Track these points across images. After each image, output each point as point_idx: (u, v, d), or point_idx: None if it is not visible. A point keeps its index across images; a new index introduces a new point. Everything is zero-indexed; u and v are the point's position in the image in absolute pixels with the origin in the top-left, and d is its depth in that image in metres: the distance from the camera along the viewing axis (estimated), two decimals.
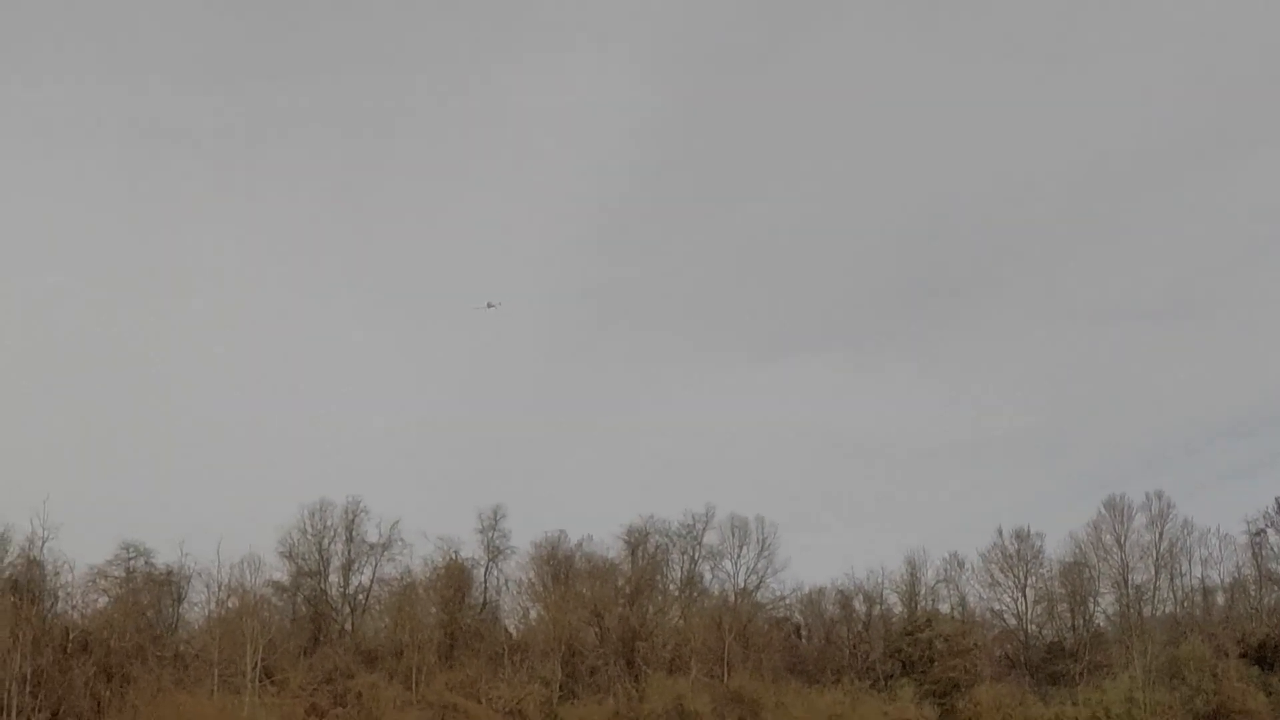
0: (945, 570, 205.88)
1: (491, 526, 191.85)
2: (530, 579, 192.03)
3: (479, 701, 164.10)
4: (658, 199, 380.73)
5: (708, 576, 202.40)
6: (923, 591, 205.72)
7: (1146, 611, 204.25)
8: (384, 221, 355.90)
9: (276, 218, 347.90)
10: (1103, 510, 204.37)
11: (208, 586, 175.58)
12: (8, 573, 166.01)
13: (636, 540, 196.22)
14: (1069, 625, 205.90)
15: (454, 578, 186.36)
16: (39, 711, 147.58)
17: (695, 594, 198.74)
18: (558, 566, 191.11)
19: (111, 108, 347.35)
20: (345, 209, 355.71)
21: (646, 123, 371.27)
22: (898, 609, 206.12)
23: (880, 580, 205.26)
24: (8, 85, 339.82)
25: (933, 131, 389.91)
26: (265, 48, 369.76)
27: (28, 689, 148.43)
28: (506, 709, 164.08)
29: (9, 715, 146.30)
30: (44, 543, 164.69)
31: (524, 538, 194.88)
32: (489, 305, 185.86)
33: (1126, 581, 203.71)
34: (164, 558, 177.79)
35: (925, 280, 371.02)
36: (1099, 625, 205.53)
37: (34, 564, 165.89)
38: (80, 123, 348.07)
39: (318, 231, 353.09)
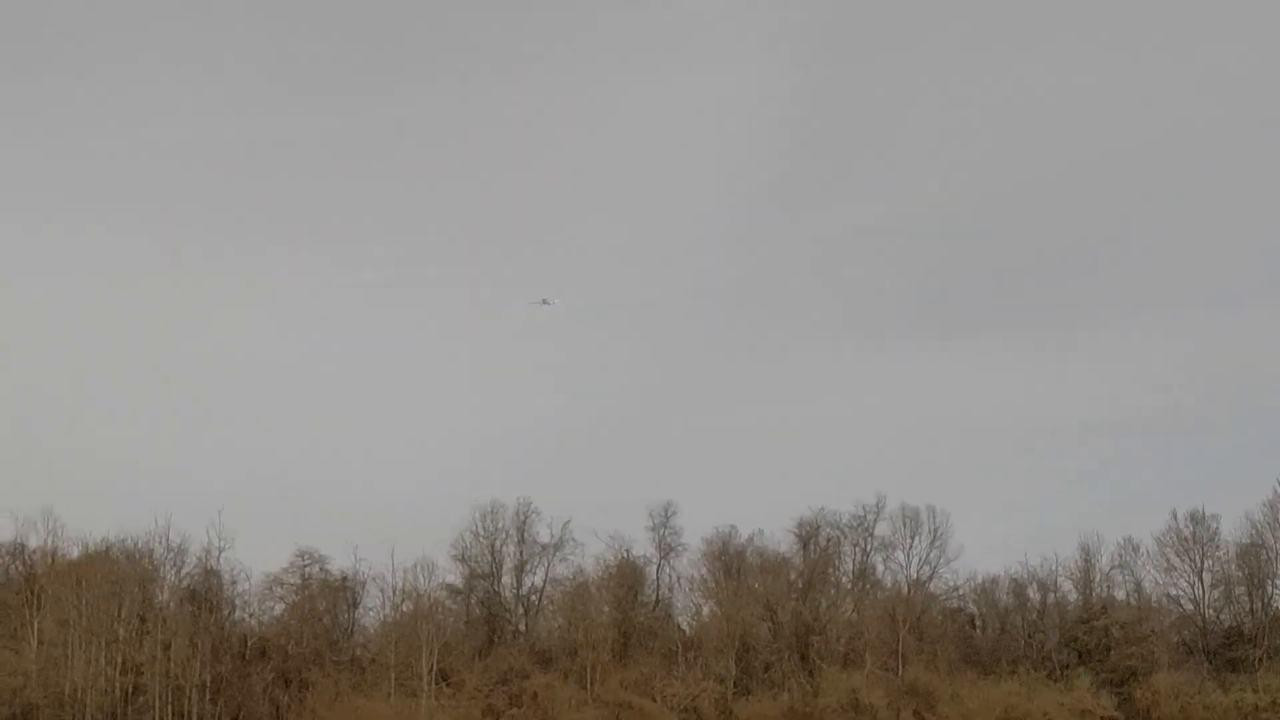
0: (1120, 555, 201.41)
1: (663, 523, 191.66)
2: (702, 575, 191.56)
3: (653, 699, 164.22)
4: (799, 186, 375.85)
5: (880, 568, 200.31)
6: (1097, 578, 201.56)
7: None
8: (531, 222, 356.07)
9: (436, 220, 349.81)
10: (1279, 489, 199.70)
11: (382, 591, 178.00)
12: (186, 583, 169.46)
13: (807, 533, 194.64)
14: (1247, 609, 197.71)
15: (626, 576, 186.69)
16: (219, 718, 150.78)
17: (868, 586, 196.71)
18: (729, 562, 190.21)
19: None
20: (496, 211, 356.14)
21: (781, 110, 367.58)
22: (1072, 596, 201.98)
23: (1054, 567, 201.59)
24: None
25: (1075, 99, 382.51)
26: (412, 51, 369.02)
27: (208, 696, 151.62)
28: (680, 706, 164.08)
29: None
30: (220, 553, 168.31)
31: (695, 534, 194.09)
32: (544, 302, 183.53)
33: None
34: (339, 564, 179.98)
35: (1078, 257, 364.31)
36: (1278, 609, 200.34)
37: (211, 574, 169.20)
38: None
39: (471, 235, 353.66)
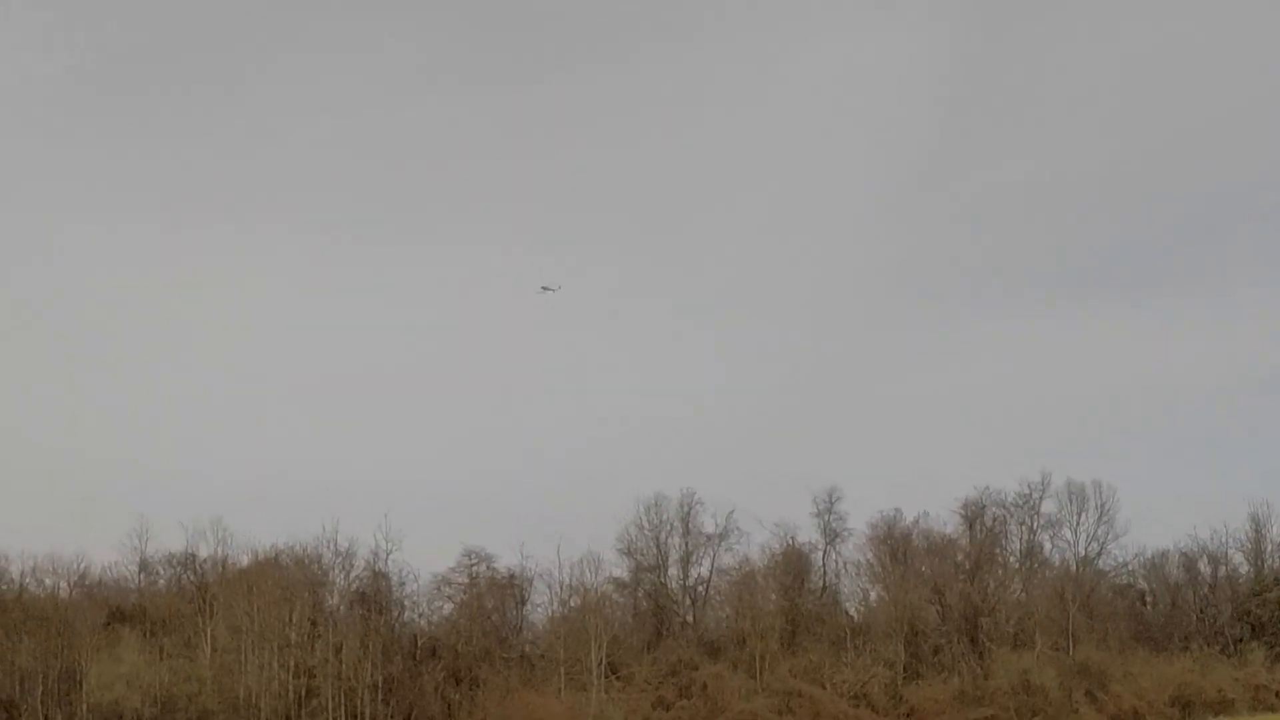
0: None
1: (827, 509, 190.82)
2: (868, 560, 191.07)
3: (823, 687, 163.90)
4: (953, 153, 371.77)
5: (1047, 546, 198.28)
6: (1269, 549, 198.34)
7: None
8: (683, 202, 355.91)
9: (587, 204, 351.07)
10: None
11: (549, 587, 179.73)
12: (355, 586, 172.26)
13: (973, 514, 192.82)
14: None
15: (792, 563, 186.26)
16: (391, 718, 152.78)
17: (1035, 565, 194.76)
18: (895, 545, 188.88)
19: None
20: (648, 193, 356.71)
21: (931, 75, 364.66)
22: (1244, 569, 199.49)
23: (1224, 539, 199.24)
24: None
25: (1228, 49, 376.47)
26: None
27: (380, 696, 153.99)
28: (850, 693, 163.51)
29: None
30: (388, 555, 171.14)
31: (860, 518, 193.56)
32: (544, 289, 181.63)
33: None
34: (506, 562, 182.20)
35: (1242, 211, 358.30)
36: None
37: (380, 576, 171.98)
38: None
39: (621, 218, 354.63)
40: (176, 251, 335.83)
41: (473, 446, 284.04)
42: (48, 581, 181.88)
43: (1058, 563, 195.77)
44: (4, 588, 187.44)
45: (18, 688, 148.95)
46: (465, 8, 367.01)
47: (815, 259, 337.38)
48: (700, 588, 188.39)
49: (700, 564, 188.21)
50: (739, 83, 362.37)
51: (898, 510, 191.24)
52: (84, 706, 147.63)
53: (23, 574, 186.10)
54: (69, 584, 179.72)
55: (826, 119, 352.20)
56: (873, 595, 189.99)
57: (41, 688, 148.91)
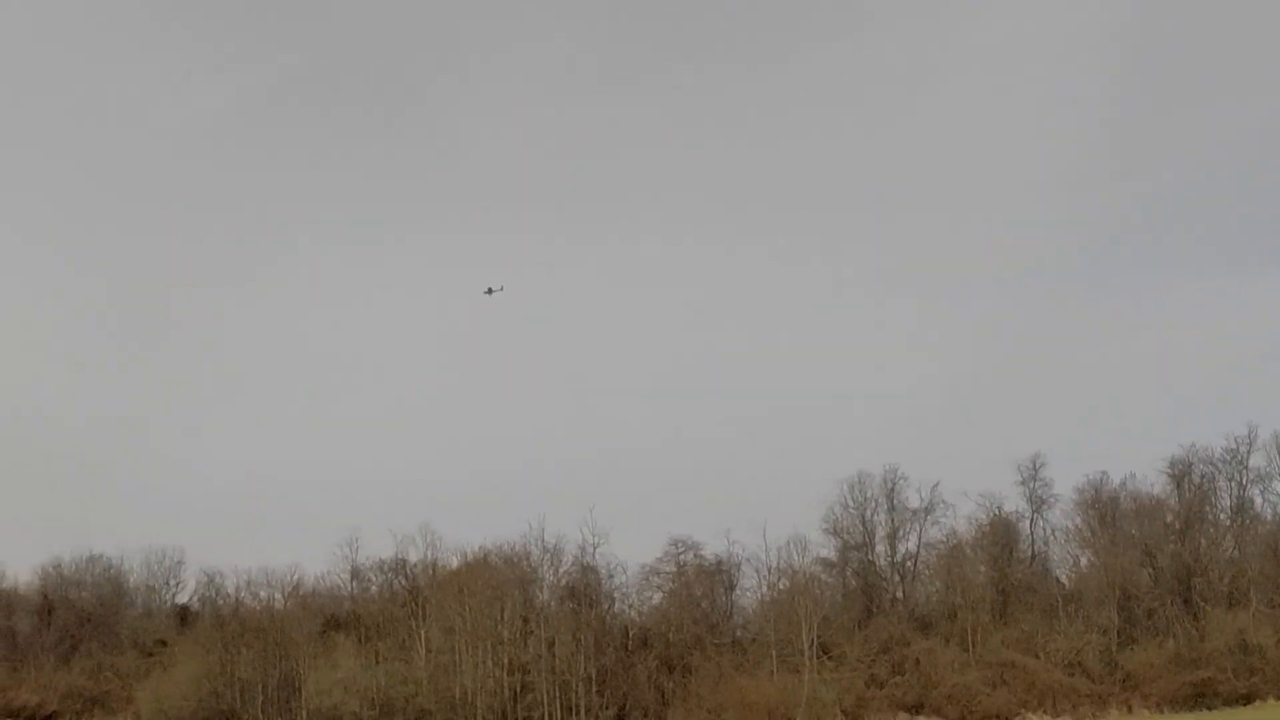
0: None
1: (1031, 477, 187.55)
2: (1076, 525, 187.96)
3: (1036, 656, 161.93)
4: (1138, 119, 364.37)
5: (1258, 501, 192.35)
6: None
7: None
8: (875, 182, 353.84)
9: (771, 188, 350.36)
10: None
11: (757, 571, 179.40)
12: (564, 581, 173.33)
13: (1180, 472, 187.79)
14: None
15: (999, 533, 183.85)
16: (606, 709, 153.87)
17: (1247, 522, 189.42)
18: (1103, 509, 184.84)
19: None
20: (837, 176, 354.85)
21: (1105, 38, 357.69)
22: None
23: None
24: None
25: None
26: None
27: (594, 688, 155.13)
28: (1065, 662, 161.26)
29: (578, 714, 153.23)
30: (595, 549, 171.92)
31: (1065, 484, 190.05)
32: (489, 291, 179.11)
33: None
34: (712, 549, 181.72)
35: None
36: None
37: (588, 570, 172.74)
38: None
39: (811, 199, 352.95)
40: (364, 263, 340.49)
41: (675, 437, 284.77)
42: (263, 594, 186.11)
43: (1270, 517, 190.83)
44: (221, 602, 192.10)
45: (239, 697, 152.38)
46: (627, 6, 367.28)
47: (1008, 229, 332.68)
48: (908, 563, 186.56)
49: (907, 539, 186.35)
50: (919, 57, 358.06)
51: (1104, 474, 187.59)
52: (303, 713, 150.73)
53: (238, 588, 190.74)
54: (284, 595, 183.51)
55: (1016, 86, 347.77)
56: (1083, 561, 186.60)
57: (261, 696, 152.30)
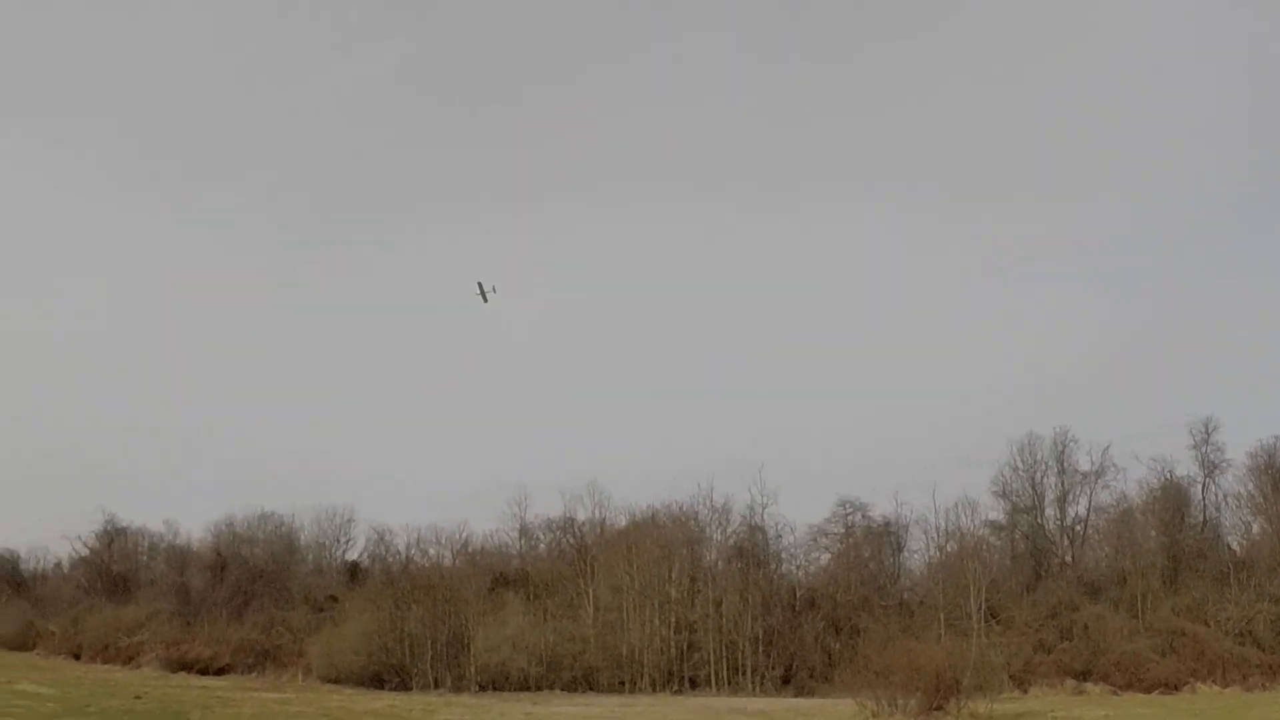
0: None
1: (1204, 441, 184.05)
2: (1249, 491, 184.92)
3: (1206, 624, 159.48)
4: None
5: None
6: None
7: None
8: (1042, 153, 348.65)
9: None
10: None
11: (925, 533, 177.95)
12: (732, 541, 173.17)
13: None
14: None
15: (1171, 498, 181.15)
16: (772, 669, 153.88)
17: None
18: (1276, 475, 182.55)
19: None
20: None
21: None
22: None
23: None
24: None
25: None
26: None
27: (760, 648, 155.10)
28: (1235, 630, 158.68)
29: (745, 674, 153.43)
30: (764, 509, 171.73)
31: (1239, 449, 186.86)
32: (480, 289, 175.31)
33: None
34: (880, 510, 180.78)
35: None
36: None
37: (756, 530, 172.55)
38: None
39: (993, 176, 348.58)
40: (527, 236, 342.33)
41: (846, 396, 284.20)
42: (432, 551, 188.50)
43: None
44: (391, 559, 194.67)
45: (408, 653, 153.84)
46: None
47: (1169, 183, 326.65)
48: (1078, 527, 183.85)
49: (1077, 503, 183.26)
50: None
51: (1277, 439, 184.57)
52: (472, 668, 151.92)
53: (408, 546, 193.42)
54: (453, 553, 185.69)
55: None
56: (1254, 528, 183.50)
57: (431, 652, 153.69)
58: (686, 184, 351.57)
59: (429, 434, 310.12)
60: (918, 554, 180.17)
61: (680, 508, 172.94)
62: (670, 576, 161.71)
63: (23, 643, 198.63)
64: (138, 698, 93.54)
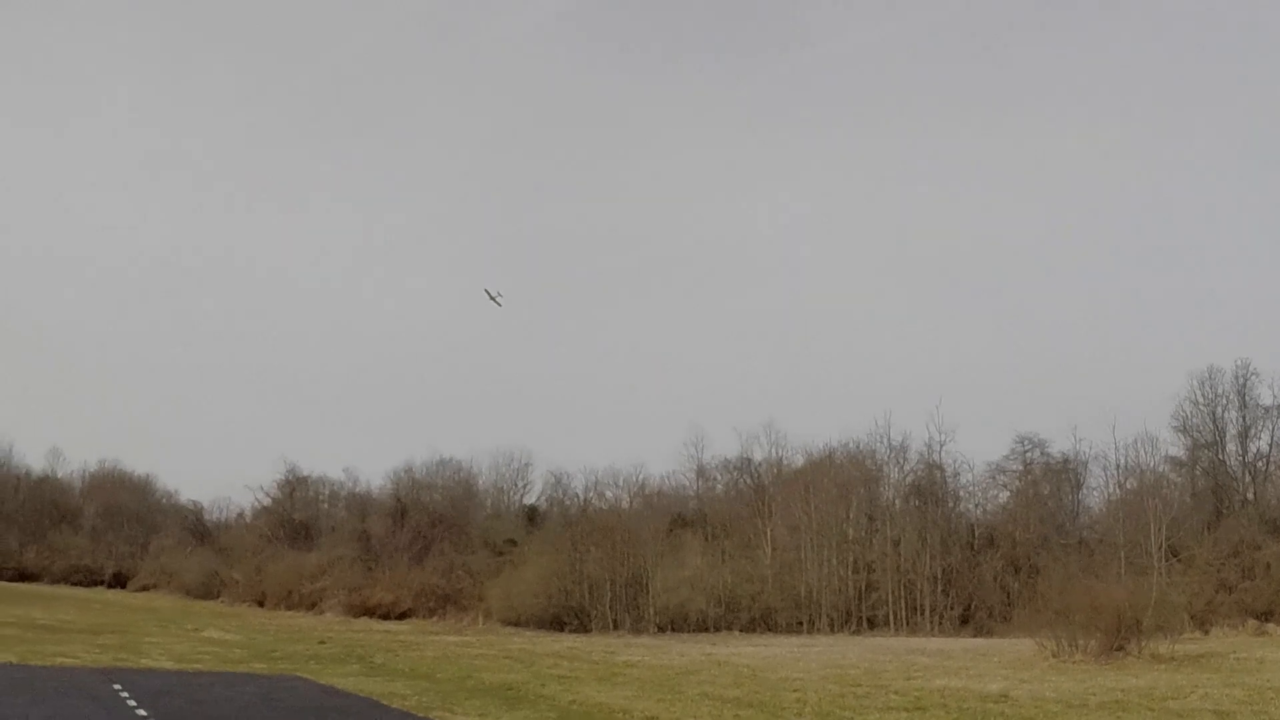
0: None
1: None
2: None
3: None
4: None
5: None
6: None
7: None
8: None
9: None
10: None
11: (1104, 470, 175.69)
12: (909, 479, 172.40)
13: None
14: None
15: None
16: (951, 608, 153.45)
17: None
18: None
19: None
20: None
21: None
22: None
23: None
24: None
25: None
26: None
27: (939, 588, 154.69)
28: None
29: (923, 613, 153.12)
30: (941, 446, 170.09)
31: None
32: (488, 292, 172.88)
33: None
34: (1059, 446, 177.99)
35: None
36: None
37: (934, 468, 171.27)
38: None
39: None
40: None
41: (1021, 328, 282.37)
42: (609, 494, 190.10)
43: None
44: (568, 502, 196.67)
45: (587, 594, 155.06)
46: None
47: None
48: (1259, 463, 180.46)
49: (1259, 438, 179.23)
50: None
51: None
52: (651, 610, 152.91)
53: (586, 488, 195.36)
54: (630, 495, 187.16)
55: None
56: None
57: (610, 593, 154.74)
58: (890, 100, 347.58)
59: (605, 375, 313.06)
60: (1096, 491, 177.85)
61: (857, 446, 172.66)
62: (848, 516, 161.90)
63: (208, 591, 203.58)
64: (321, 643, 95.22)
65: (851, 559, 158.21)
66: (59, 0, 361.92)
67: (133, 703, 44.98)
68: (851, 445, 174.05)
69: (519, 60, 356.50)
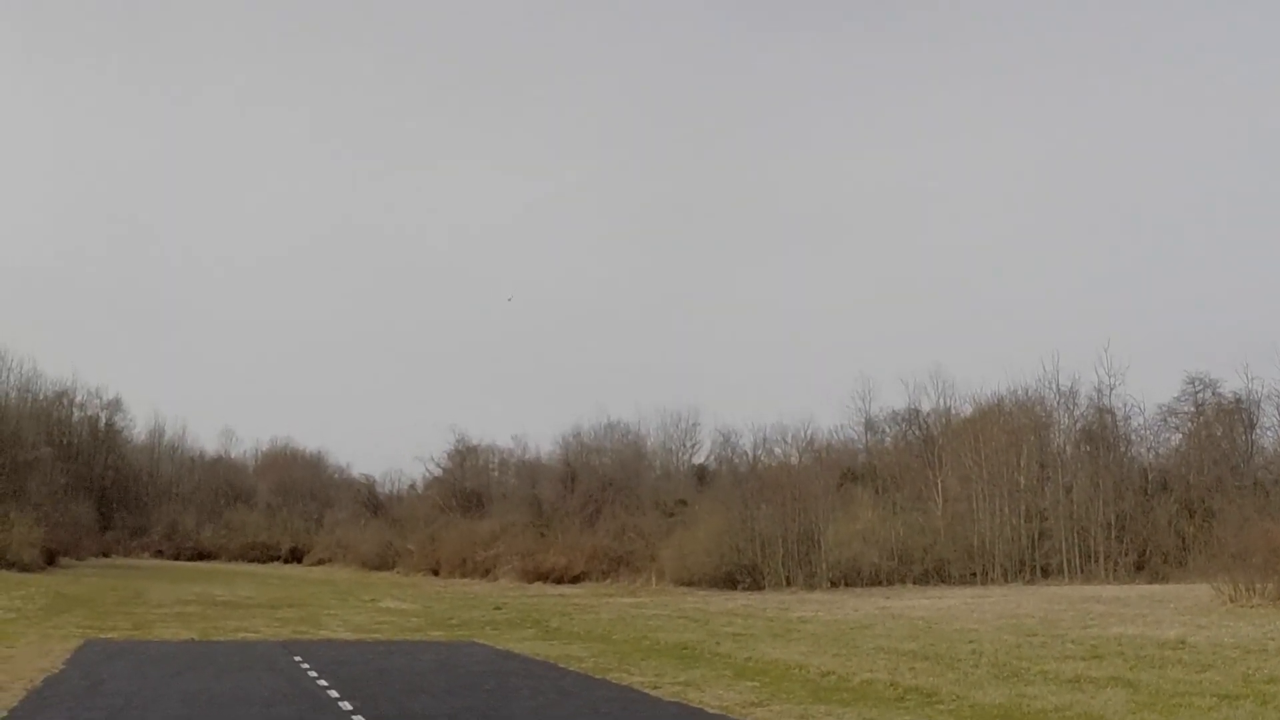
0: None
1: None
2: None
3: None
4: None
5: None
6: None
7: None
8: None
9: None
10: None
11: (1277, 409, 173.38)
12: (1080, 425, 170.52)
13: None
14: None
15: None
16: (1125, 555, 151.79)
17: None
18: None
19: None
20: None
21: None
22: None
23: None
24: None
25: None
26: None
27: (1113, 534, 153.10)
28: None
29: (1097, 560, 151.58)
30: (1111, 390, 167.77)
31: None
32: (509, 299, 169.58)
33: None
34: (1230, 386, 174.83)
35: None
36: None
37: (1105, 412, 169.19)
38: None
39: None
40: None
41: (1188, 268, 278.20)
42: (778, 450, 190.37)
43: None
44: (737, 460, 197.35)
45: (759, 552, 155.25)
46: None
47: None
48: None
49: None
50: None
51: None
52: (823, 565, 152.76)
53: (754, 446, 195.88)
54: (799, 450, 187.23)
55: None
56: None
57: (782, 550, 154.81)
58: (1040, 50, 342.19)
59: (769, 332, 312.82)
60: (1271, 430, 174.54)
61: (1025, 393, 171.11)
62: (1018, 464, 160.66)
63: (383, 562, 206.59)
64: (497, 609, 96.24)
65: (1023, 508, 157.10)
66: None
67: (314, 673, 46.01)
68: (1020, 392, 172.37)
69: (663, 21, 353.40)
